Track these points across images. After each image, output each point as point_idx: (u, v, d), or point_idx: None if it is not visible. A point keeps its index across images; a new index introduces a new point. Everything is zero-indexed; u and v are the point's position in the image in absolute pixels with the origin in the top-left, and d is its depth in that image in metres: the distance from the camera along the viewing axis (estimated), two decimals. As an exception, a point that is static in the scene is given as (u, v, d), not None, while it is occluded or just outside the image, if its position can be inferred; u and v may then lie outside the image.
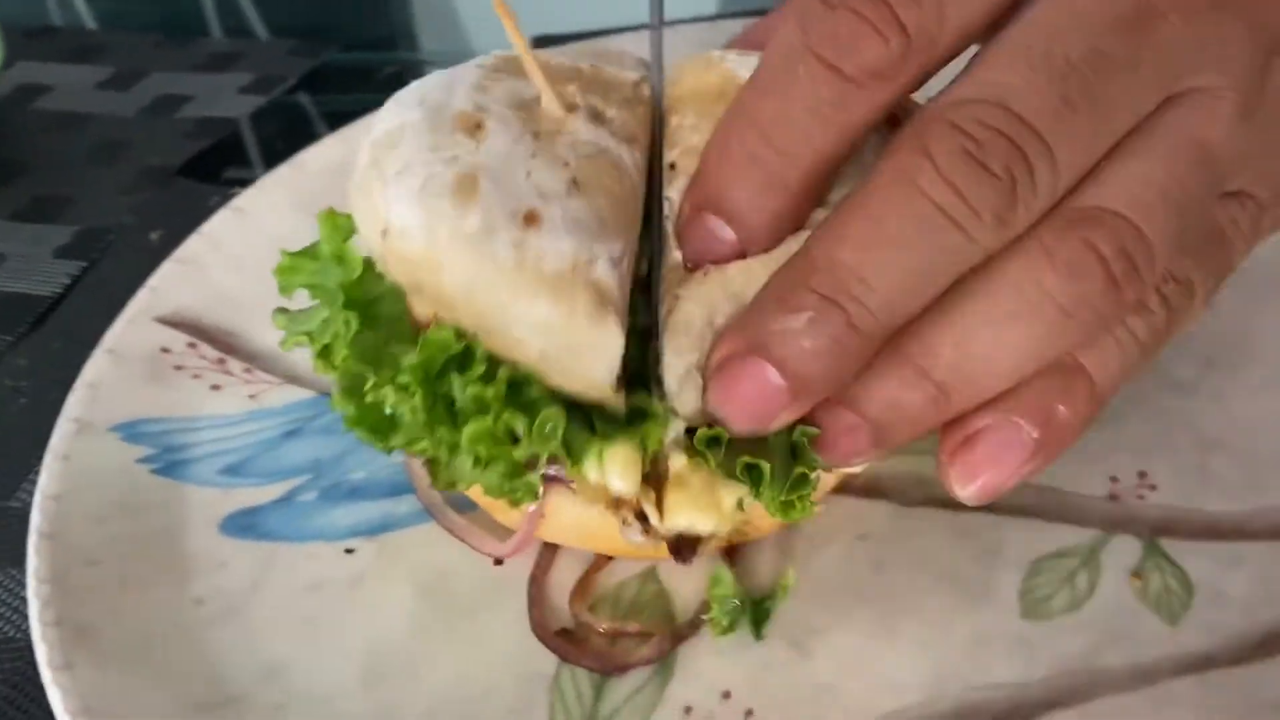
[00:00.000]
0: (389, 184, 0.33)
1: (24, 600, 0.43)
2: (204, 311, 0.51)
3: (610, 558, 0.40)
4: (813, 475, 0.32)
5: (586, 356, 0.32)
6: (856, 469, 0.33)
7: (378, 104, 0.37)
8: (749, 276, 0.32)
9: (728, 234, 0.32)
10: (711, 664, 0.37)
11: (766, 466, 0.32)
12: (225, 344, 0.50)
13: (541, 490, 0.34)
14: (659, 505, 0.34)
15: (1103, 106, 0.28)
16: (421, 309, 0.34)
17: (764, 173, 0.31)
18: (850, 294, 0.29)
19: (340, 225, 0.36)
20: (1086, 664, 0.35)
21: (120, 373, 0.47)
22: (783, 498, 0.32)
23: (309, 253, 0.37)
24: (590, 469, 0.33)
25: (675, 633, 0.38)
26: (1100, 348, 0.30)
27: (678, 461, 0.34)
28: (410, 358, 0.32)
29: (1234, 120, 0.29)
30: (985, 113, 0.28)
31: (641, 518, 0.35)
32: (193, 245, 0.53)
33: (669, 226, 0.34)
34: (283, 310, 0.39)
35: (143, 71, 0.78)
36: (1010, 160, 0.28)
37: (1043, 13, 0.29)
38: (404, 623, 0.39)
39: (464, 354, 0.32)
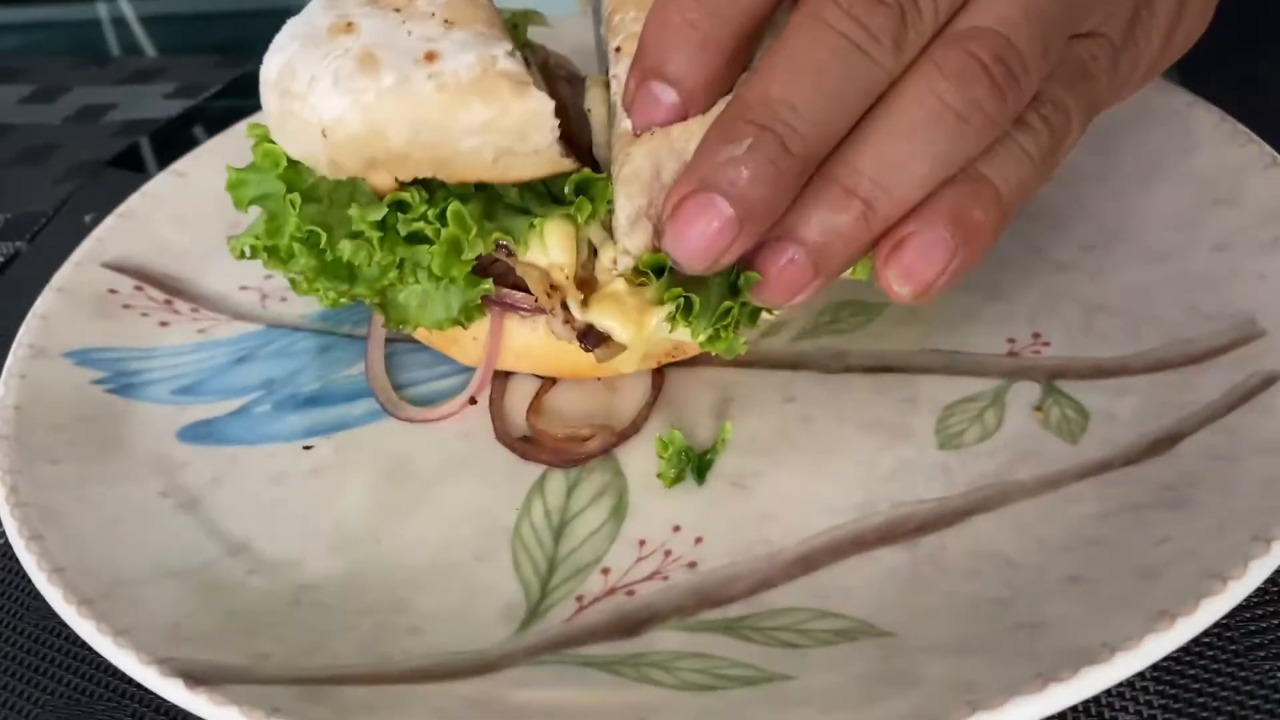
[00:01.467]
0: (306, 97, 0.38)
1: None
2: (148, 261, 0.52)
3: (555, 380, 0.45)
4: (736, 309, 0.36)
5: (529, 131, 0.37)
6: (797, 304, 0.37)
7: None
8: (689, 134, 0.36)
9: (670, 96, 0.36)
10: (661, 505, 0.40)
11: (696, 299, 0.36)
12: (172, 288, 0.52)
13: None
14: (586, 303, 0.38)
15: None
16: (382, 182, 0.38)
17: (699, 35, 0.35)
18: (781, 119, 0.33)
19: (262, 132, 0.41)
20: (1000, 479, 0.39)
21: (69, 308, 0.49)
22: (709, 328, 0.36)
23: (250, 168, 0.41)
24: (535, 251, 0.38)
25: (620, 432, 0.43)
26: (998, 159, 0.35)
27: (618, 281, 0.38)
28: (370, 213, 0.37)
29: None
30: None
31: (566, 308, 0.39)
32: (135, 202, 0.55)
33: (616, 100, 0.38)
34: (232, 237, 0.42)
35: (65, 87, 0.80)
36: None
37: None
38: (366, 500, 0.41)
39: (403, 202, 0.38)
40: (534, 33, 0.48)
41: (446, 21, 0.38)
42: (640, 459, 0.42)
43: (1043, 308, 0.46)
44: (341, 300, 0.40)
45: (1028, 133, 0.35)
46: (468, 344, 0.44)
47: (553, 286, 0.40)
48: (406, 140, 0.37)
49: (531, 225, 0.39)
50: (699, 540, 0.38)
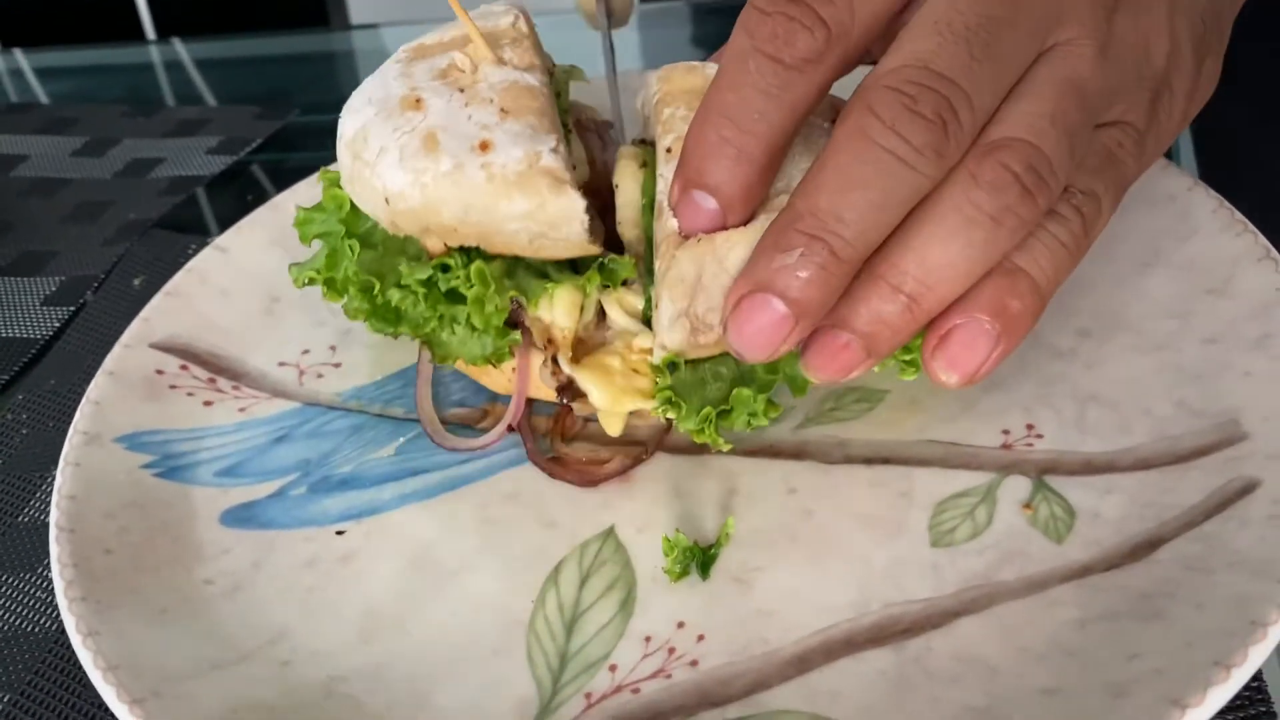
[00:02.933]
0: (375, 165, 0.44)
1: (40, 600, 0.47)
2: (193, 339, 0.56)
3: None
4: (713, 415, 0.42)
5: (561, 224, 0.42)
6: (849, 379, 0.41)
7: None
8: (731, 244, 0.40)
9: (710, 204, 0.40)
10: (667, 602, 0.42)
11: (683, 405, 0.42)
12: (215, 365, 0.55)
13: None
14: (577, 360, 0.45)
15: (998, 58, 0.37)
16: (434, 245, 0.45)
17: (733, 149, 0.39)
18: (829, 229, 0.37)
19: (332, 178, 0.47)
20: (987, 579, 0.41)
21: (120, 391, 0.52)
22: (695, 425, 0.42)
23: (317, 208, 0.48)
24: (544, 310, 0.44)
25: (635, 456, 0.48)
26: (1032, 251, 0.38)
27: (615, 353, 0.44)
28: (418, 272, 0.44)
29: (1094, 60, 0.38)
30: (913, 74, 0.36)
31: (555, 361, 0.45)
32: (180, 280, 0.58)
33: (663, 200, 0.43)
34: (295, 264, 0.48)
35: (114, 139, 0.84)
36: (938, 106, 0.36)
37: None
38: (393, 588, 0.44)
39: (446, 265, 0.44)
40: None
41: (503, 110, 0.43)
42: (651, 551, 0.44)
43: (1038, 397, 0.48)
44: (388, 332, 0.47)
45: (1060, 223, 0.39)
46: (497, 375, 0.49)
47: (550, 340, 0.45)
48: (457, 218, 0.43)
49: (545, 289, 0.44)
50: (701, 638, 0.41)
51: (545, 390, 0.47)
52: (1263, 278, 0.48)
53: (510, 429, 0.49)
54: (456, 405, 0.52)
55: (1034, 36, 0.38)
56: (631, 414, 0.46)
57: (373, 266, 0.46)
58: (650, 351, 0.44)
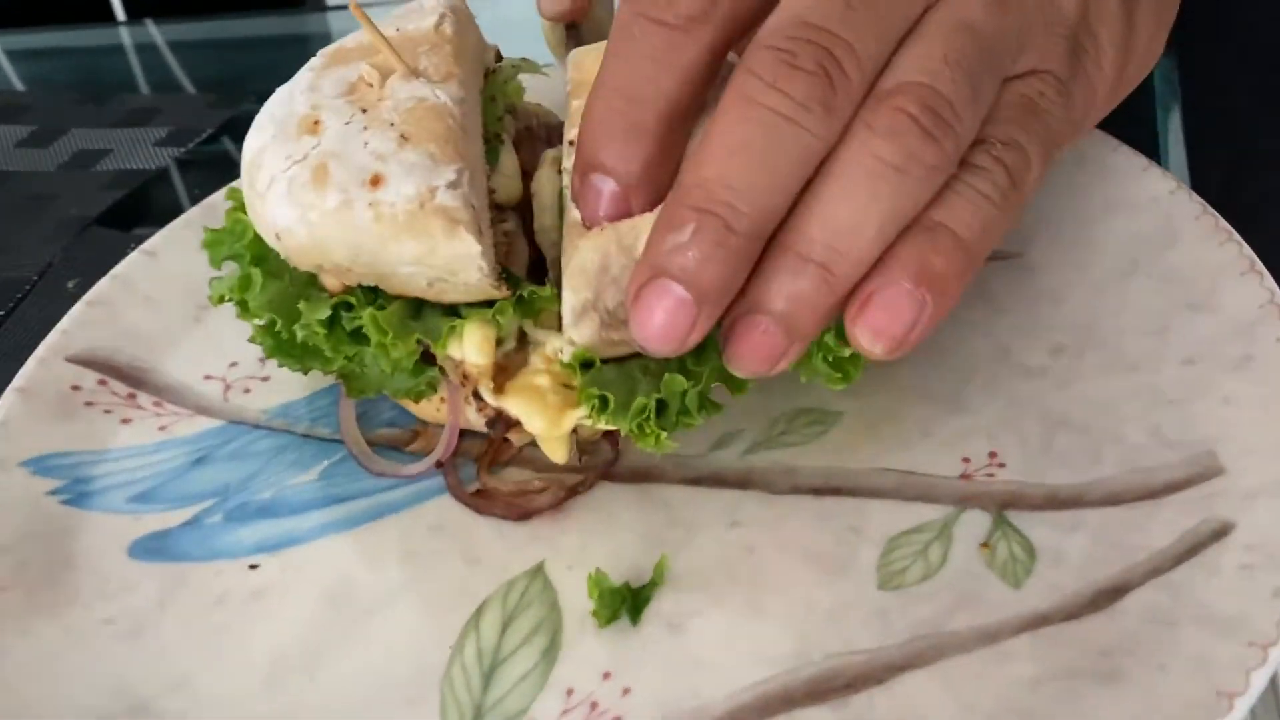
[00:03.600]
0: (265, 197, 0.40)
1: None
2: (115, 350, 0.53)
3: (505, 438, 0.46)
4: (650, 405, 0.39)
5: (458, 269, 0.39)
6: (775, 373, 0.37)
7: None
8: (636, 230, 0.37)
9: (609, 185, 0.37)
10: (593, 649, 0.39)
11: (612, 398, 0.38)
12: (136, 379, 0.52)
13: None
14: (501, 388, 0.41)
15: (879, 4, 0.35)
16: (330, 283, 0.42)
17: (624, 122, 0.36)
18: (720, 200, 0.34)
19: (239, 198, 0.44)
20: (936, 628, 0.38)
21: (30, 410, 0.49)
22: (630, 424, 0.39)
23: (225, 229, 0.46)
24: (453, 347, 0.41)
25: (570, 486, 0.44)
26: (950, 204, 0.35)
27: (542, 376, 0.41)
28: (317, 311, 0.41)
29: (987, 4, 0.36)
30: (791, 29, 0.34)
31: (478, 395, 0.42)
32: (104, 288, 0.55)
33: (568, 194, 0.39)
34: (215, 279, 0.46)
35: (62, 129, 0.80)
36: (819, 57, 0.34)
37: None
38: (304, 628, 0.41)
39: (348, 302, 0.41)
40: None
41: (403, 137, 0.39)
42: (581, 590, 0.41)
43: (1004, 421, 0.45)
44: (295, 368, 0.44)
45: (979, 174, 0.36)
46: (426, 404, 0.46)
47: (466, 376, 0.42)
48: (347, 258, 0.39)
49: (452, 327, 0.41)
50: (626, 691, 0.38)
51: (479, 422, 0.44)
52: (1246, 293, 0.45)
53: (438, 464, 0.46)
54: (386, 425, 0.49)
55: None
56: (576, 441, 0.43)
57: (277, 300, 0.42)
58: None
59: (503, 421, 0.42)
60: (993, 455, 0.44)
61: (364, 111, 0.40)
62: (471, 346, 0.41)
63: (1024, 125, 0.36)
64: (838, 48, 0.34)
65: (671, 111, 0.36)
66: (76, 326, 0.53)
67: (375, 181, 0.38)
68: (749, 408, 0.46)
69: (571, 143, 0.40)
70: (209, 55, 0.95)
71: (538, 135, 0.50)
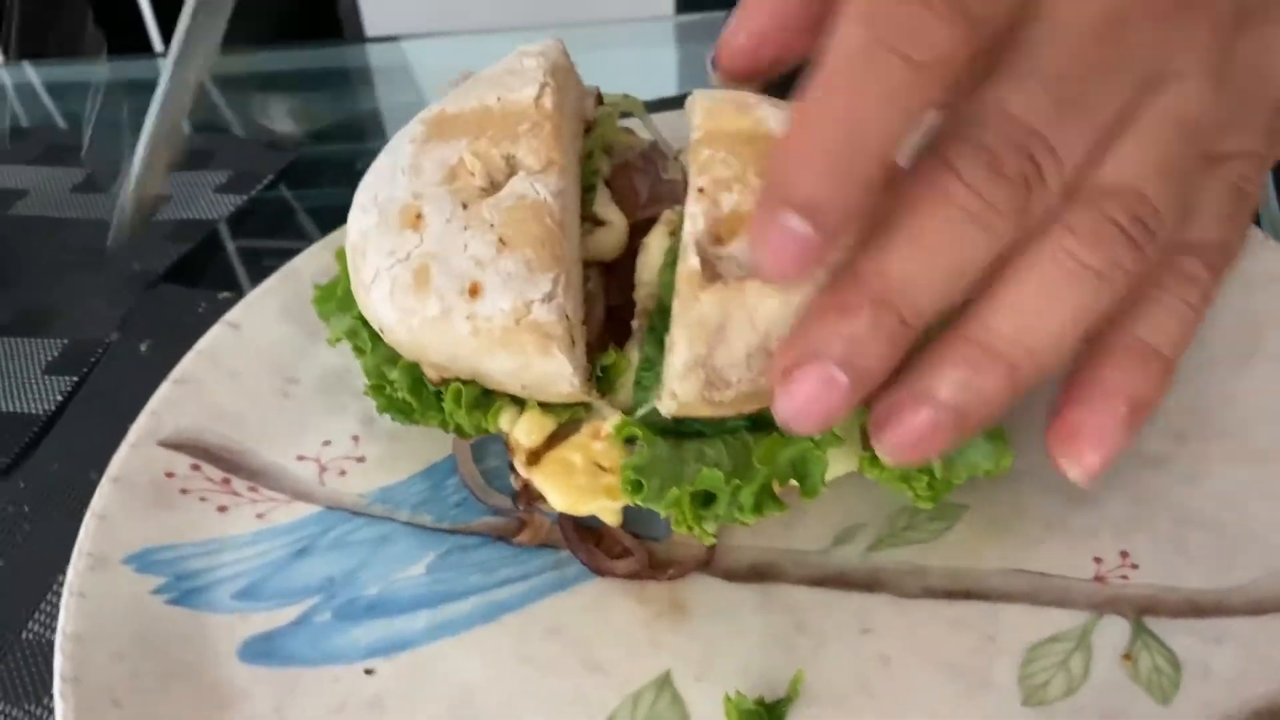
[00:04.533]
0: (370, 291, 0.42)
1: (49, 741, 0.44)
2: (205, 430, 0.51)
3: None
4: (684, 496, 0.39)
5: (549, 382, 0.40)
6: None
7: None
8: (764, 295, 0.37)
9: (804, 229, 0.32)
10: (733, 770, 0.38)
11: (646, 484, 0.39)
12: (230, 463, 0.51)
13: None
14: (537, 459, 0.42)
15: (1090, 103, 0.33)
16: (432, 374, 0.43)
17: (843, 163, 0.32)
18: (900, 294, 0.33)
19: (345, 260, 0.45)
20: (1087, 749, 0.37)
21: (127, 501, 0.48)
22: (665, 510, 0.39)
23: (332, 285, 0.48)
24: (504, 421, 0.42)
25: (653, 565, 0.45)
26: (1155, 319, 0.35)
27: (577, 446, 0.41)
28: (396, 374, 0.44)
29: (1205, 93, 0.34)
30: (997, 124, 0.33)
31: (512, 466, 0.43)
32: (188, 365, 0.53)
33: (688, 239, 0.38)
34: (335, 319, 0.48)
35: (115, 172, 0.79)
36: (1020, 163, 0.33)
37: (1033, 30, 0.34)
38: (429, 743, 0.40)
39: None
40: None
41: (501, 241, 0.39)
42: (711, 704, 0.40)
43: (1131, 517, 0.44)
44: (406, 422, 0.45)
45: (1186, 284, 0.35)
46: None
47: (508, 446, 0.43)
48: (445, 360, 0.41)
49: (501, 406, 0.42)
50: (772, 818, 0.37)
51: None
52: (1383, 382, 0.44)
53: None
54: (491, 514, 0.48)
55: (1134, 76, 0.34)
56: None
57: (388, 358, 0.44)
58: (614, 430, 0.41)
59: (527, 493, 0.43)
60: (1124, 555, 0.43)
61: (465, 207, 0.41)
62: (523, 431, 0.42)
63: (1234, 220, 0.36)
64: (1042, 154, 0.33)
65: (892, 161, 0.33)
66: (165, 408, 0.52)
67: (473, 291, 0.39)
68: (866, 497, 0.45)
69: (701, 190, 0.39)
70: (250, 89, 0.93)
71: (635, 167, 0.49)
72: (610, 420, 0.42)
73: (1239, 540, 0.42)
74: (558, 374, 0.39)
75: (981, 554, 0.44)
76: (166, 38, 1.02)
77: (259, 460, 0.51)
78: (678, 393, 0.38)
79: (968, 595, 0.42)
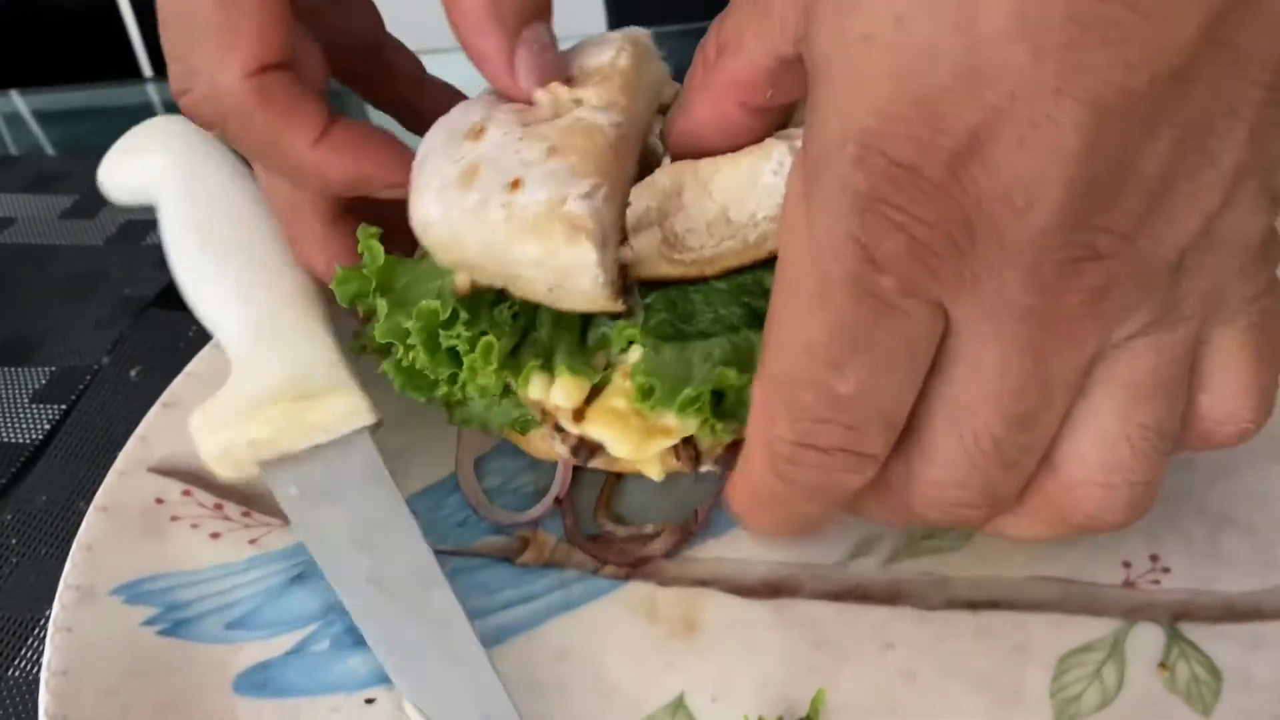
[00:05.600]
0: (420, 194, 0.41)
1: (36, 783, 0.42)
2: (196, 454, 0.50)
3: (620, 475, 0.47)
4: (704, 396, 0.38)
5: (574, 275, 0.38)
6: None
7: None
8: (715, 167, 0.38)
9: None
10: (754, 794, 0.37)
11: (656, 386, 0.38)
12: (221, 487, 0.49)
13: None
14: (581, 415, 0.40)
15: (1037, 440, 0.32)
16: (462, 281, 0.41)
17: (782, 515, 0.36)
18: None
19: (363, 231, 0.43)
20: (1126, 763, 0.36)
21: (116, 530, 0.46)
22: (676, 412, 0.38)
23: (355, 267, 0.44)
24: (535, 388, 0.40)
25: (684, 528, 0.45)
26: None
27: (620, 391, 0.40)
28: (412, 323, 0.41)
29: (1156, 351, 0.31)
30: (954, 496, 0.33)
31: (559, 428, 0.41)
32: (178, 387, 0.52)
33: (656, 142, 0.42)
34: (359, 330, 0.46)
35: (102, 200, 0.77)
36: (974, 497, 0.33)
37: (961, 391, 0.31)
38: (434, 776, 0.39)
39: (451, 316, 0.40)
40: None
41: (552, 149, 0.39)
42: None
43: (1161, 519, 0.42)
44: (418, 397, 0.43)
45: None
46: (539, 442, 0.44)
47: (545, 411, 0.42)
48: (479, 255, 0.40)
49: (535, 368, 0.41)
50: (796, 845, 0.35)
51: (565, 452, 0.43)
52: None
53: (557, 501, 0.47)
54: (492, 533, 0.47)
55: (1073, 389, 0.32)
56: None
57: (397, 328, 0.42)
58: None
59: (586, 448, 0.42)
60: (1155, 559, 0.41)
61: (525, 126, 0.41)
62: (560, 394, 0.40)
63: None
64: (1001, 494, 0.33)
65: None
66: (155, 433, 0.50)
67: (514, 185, 0.39)
68: (882, 506, 0.44)
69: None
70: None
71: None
72: (632, 356, 0.40)
73: (1274, 541, 0.41)
74: (583, 264, 0.38)
75: (1006, 561, 0.42)
76: (155, 62, 1.01)
77: (251, 484, 0.49)
78: (634, 245, 0.39)
79: (993, 605, 0.41)
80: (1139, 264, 0.29)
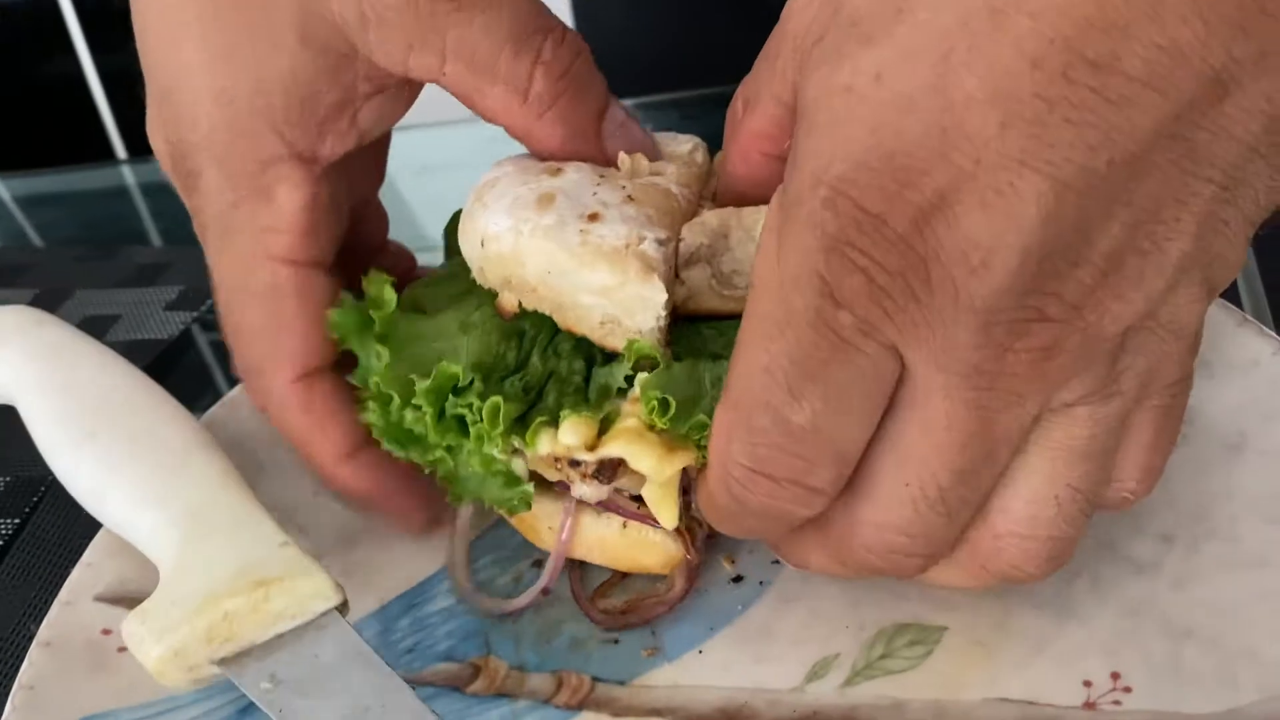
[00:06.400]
0: (488, 207, 0.42)
1: None
2: (145, 580, 0.49)
3: (625, 575, 0.47)
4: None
5: (638, 311, 0.40)
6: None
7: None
8: (756, 217, 0.40)
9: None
10: None
11: (673, 402, 0.39)
12: (169, 615, 0.48)
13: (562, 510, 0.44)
14: (595, 446, 0.40)
15: (978, 493, 0.34)
16: (508, 301, 0.42)
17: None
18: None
19: (377, 278, 0.44)
20: None
21: (60, 667, 0.45)
22: (692, 436, 0.39)
23: (353, 308, 0.45)
24: (544, 444, 0.41)
25: (689, 569, 0.45)
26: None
27: (631, 413, 0.40)
28: (424, 384, 0.41)
29: (1093, 421, 0.33)
30: (897, 544, 0.35)
31: (575, 463, 0.41)
32: (128, 509, 0.51)
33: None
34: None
35: (68, 290, 0.77)
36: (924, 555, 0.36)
37: (910, 438, 0.33)
38: None
39: (469, 385, 0.41)
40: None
41: (630, 198, 0.41)
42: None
43: (1121, 632, 0.41)
44: (398, 454, 0.44)
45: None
46: (544, 533, 0.45)
47: (556, 459, 0.42)
48: (539, 275, 0.41)
49: (543, 421, 0.41)
50: None
51: (594, 551, 0.45)
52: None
53: (544, 592, 0.46)
54: (444, 659, 0.45)
55: (1013, 447, 0.33)
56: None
57: (397, 380, 0.42)
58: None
59: (607, 470, 0.41)
60: (1115, 677, 0.40)
61: (602, 177, 0.43)
62: (570, 433, 0.40)
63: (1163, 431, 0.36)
64: (940, 543, 0.35)
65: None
66: (104, 556, 0.49)
67: (594, 217, 0.40)
68: (841, 621, 0.43)
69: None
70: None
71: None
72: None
73: (1236, 658, 0.40)
74: (651, 301, 0.39)
75: (963, 682, 0.41)
76: (128, 143, 1.01)
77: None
78: (685, 279, 0.41)
79: (951, 731, 0.40)
80: (1085, 332, 0.30)
